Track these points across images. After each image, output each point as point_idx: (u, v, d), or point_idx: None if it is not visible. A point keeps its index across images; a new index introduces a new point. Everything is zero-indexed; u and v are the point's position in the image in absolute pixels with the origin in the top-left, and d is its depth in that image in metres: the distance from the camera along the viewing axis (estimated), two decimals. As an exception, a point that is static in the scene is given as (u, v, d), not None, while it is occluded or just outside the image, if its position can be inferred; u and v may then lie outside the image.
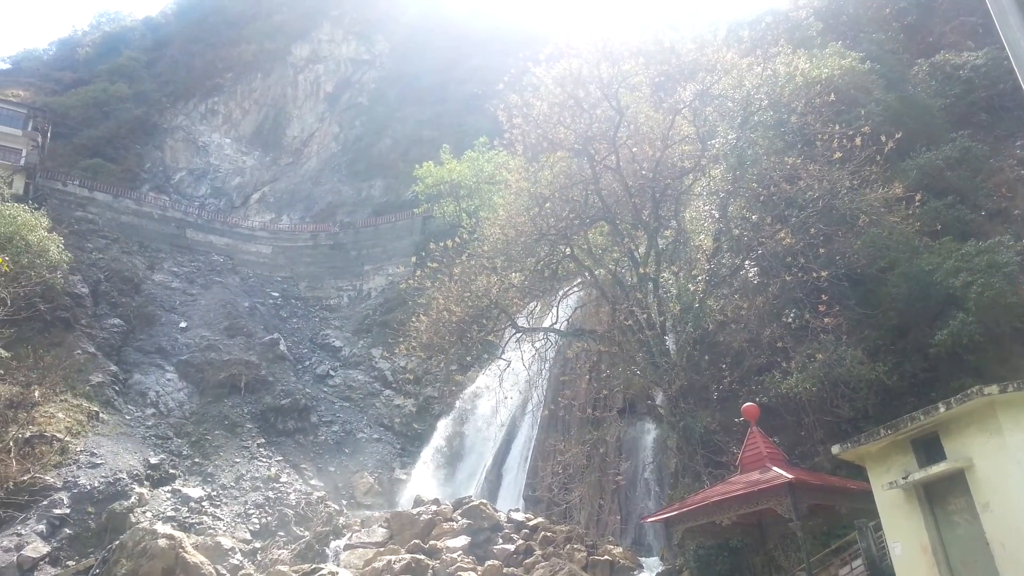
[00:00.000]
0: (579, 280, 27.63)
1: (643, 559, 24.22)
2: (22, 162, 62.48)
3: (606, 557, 23.42)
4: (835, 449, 14.61)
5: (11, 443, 32.71)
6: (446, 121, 77.14)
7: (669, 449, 23.33)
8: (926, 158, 24.75)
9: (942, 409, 12.54)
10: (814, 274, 20.05)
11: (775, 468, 15.09)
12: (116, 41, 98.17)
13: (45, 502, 31.71)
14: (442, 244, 27.46)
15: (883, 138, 21.01)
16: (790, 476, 14.32)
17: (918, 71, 30.04)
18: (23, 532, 30.26)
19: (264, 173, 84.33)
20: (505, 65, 29.11)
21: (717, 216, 23.66)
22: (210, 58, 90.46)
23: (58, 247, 43.89)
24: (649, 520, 19.77)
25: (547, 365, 27.15)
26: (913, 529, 13.10)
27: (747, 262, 23.02)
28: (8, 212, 42.79)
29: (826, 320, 19.61)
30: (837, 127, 21.91)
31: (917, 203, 21.17)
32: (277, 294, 65.12)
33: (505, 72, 26.96)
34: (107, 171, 72.32)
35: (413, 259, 41.90)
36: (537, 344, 26.14)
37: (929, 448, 13.09)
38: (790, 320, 21.39)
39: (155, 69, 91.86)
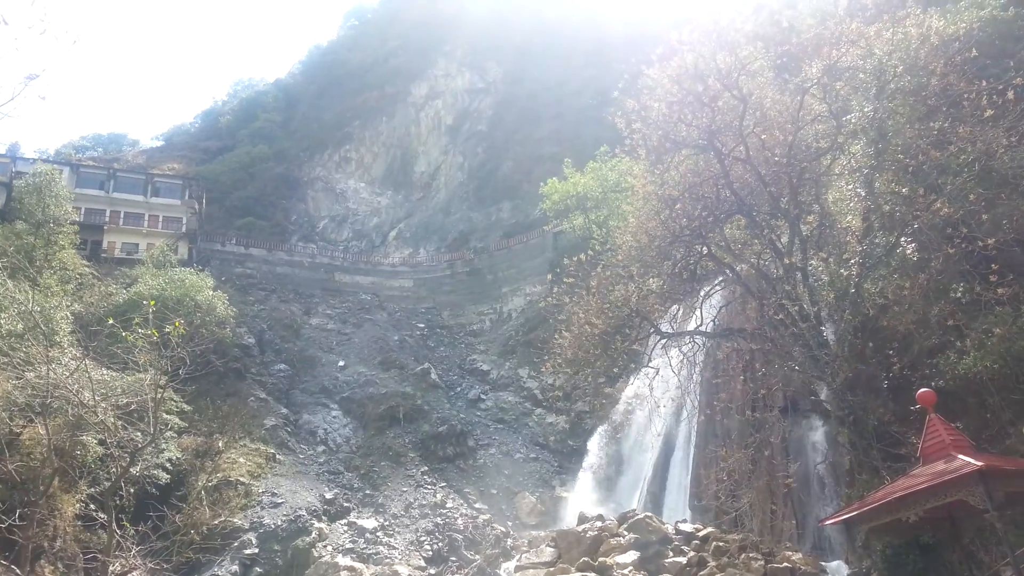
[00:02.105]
0: (720, 278, 26.78)
1: (826, 563, 22.89)
2: (183, 229, 68.33)
3: (785, 564, 22.33)
4: (1029, 430, 13.31)
5: (202, 491, 35.36)
6: (565, 135, 77.51)
7: (841, 446, 22.02)
8: (1094, 101, 22.24)
9: None
10: (980, 243, 18.46)
11: (961, 456, 13.92)
12: (253, 106, 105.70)
13: (236, 543, 33.96)
14: (575, 258, 27.40)
15: (1039, 87, 19.11)
16: (980, 463, 13.16)
17: (1074, 7, 27.15)
18: (220, 573, 32.51)
19: (398, 211, 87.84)
20: (618, 71, 28.91)
21: (863, 194, 22.25)
22: (338, 109, 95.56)
23: (224, 303, 47.44)
24: (828, 522, 18.70)
25: (697, 369, 26.45)
26: None
27: (903, 238, 21.49)
28: (177, 276, 46.80)
29: (999, 291, 17.97)
30: (984, 83, 20.14)
31: (1090, 151, 19.06)
32: (423, 325, 67.36)
33: (618, 78, 26.73)
34: (259, 228, 77.76)
35: (548, 276, 42.12)
36: (684, 348, 25.49)
37: None
38: (959, 295, 19.73)
39: (290, 127, 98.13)
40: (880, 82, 21.41)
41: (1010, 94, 19.38)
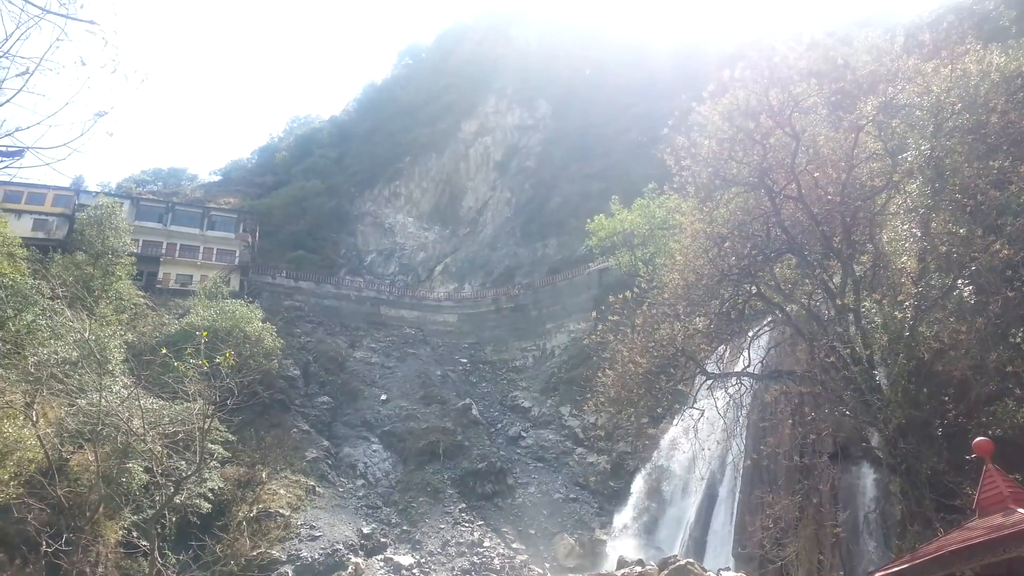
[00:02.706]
0: (769, 319, 26.16)
1: (876, 619, 21.84)
2: (236, 262, 69.82)
3: (834, 618, 21.40)
4: (1098, 485, 12.52)
5: (243, 521, 35.50)
6: (613, 172, 77.52)
7: (892, 495, 21.10)
8: None
9: None
10: (1041, 286, 17.71)
11: (1021, 510, 13.17)
12: (308, 142, 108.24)
13: (273, 575, 33.92)
14: (621, 296, 27.09)
15: (1107, 125, 18.41)
16: (1042, 518, 12.39)
17: None
18: (257, 605, 32.44)
19: (445, 245, 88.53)
20: (667, 108, 28.83)
21: (919, 234, 21.58)
22: (389, 145, 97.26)
23: (272, 335, 48.08)
24: (878, 575, 17.87)
25: (744, 412, 25.70)
26: None
27: (960, 281, 20.74)
28: (228, 308, 47.66)
29: (1063, 337, 17.16)
30: (1049, 120, 19.49)
31: None
32: (466, 360, 67.32)
33: (668, 115, 26.60)
34: (309, 261, 79.05)
35: (593, 314, 41.74)
36: (730, 390, 24.86)
37: None
38: (1019, 340, 18.89)
39: (343, 163, 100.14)
40: (938, 120, 20.86)
41: (1075, 132, 18.72)
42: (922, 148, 21.28)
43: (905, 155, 22.03)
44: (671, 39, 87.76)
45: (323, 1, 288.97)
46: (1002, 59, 21.09)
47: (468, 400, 56.80)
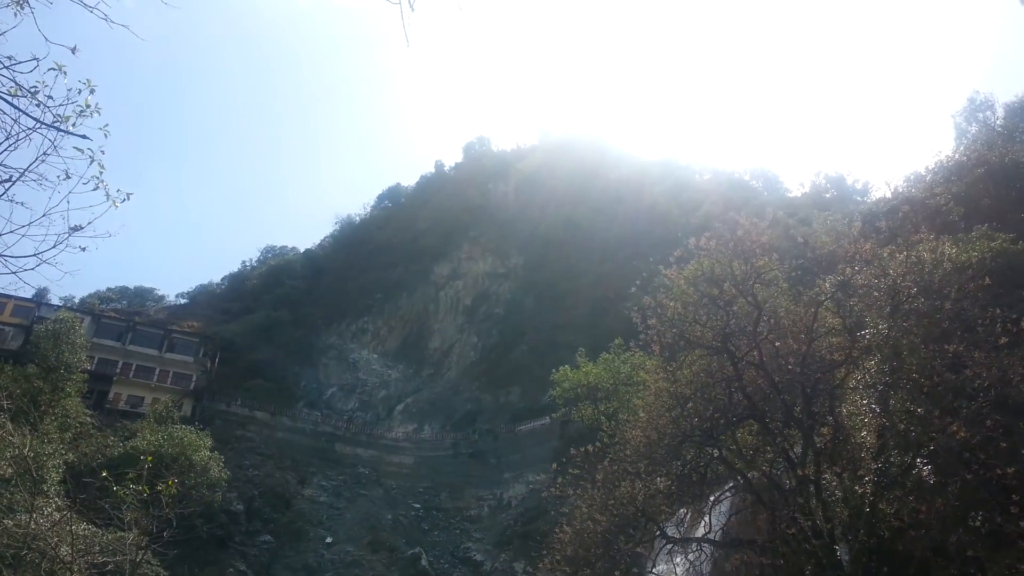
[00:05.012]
0: (730, 484, 25.91)
1: None
2: (192, 386, 68.36)
3: None
4: None
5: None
6: (580, 325, 78.57)
7: None
8: (1112, 335, 22.38)
9: None
10: (998, 471, 17.88)
11: None
12: (280, 273, 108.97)
13: None
14: (582, 449, 26.76)
15: (1055, 317, 19.34)
16: None
17: (1085, 242, 28.07)
18: None
19: (407, 385, 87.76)
20: (636, 269, 29.94)
21: (878, 410, 21.96)
22: (361, 282, 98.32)
23: (219, 466, 46.34)
24: None
25: (704, 581, 24.93)
26: None
27: (919, 460, 20.94)
28: (177, 434, 46.16)
29: (1023, 524, 17.15)
30: (998, 311, 20.45)
31: (1111, 385, 18.88)
32: (419, 505, 65.13)
33: (636, 275, 27.55)
34: (267, 391, 77.61)
35: (554, 466, 40.96)
36: (690, 556, 24.22)
37: None
38: (978, 524, 18.87)
39: (313, 295, 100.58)
40: (894, 302, 21.78)
41: (1024, 324, 19.60)
42: (880, 327, 22.08)
43: (863, 332, 22.78)
44: (643, 204, 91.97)
45: (313, 141, 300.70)
46: (954, 250, 22.44)
47: (418, 549, 54.43)
